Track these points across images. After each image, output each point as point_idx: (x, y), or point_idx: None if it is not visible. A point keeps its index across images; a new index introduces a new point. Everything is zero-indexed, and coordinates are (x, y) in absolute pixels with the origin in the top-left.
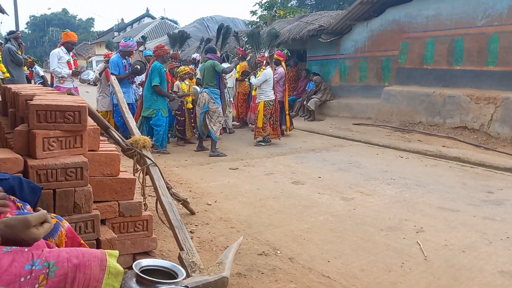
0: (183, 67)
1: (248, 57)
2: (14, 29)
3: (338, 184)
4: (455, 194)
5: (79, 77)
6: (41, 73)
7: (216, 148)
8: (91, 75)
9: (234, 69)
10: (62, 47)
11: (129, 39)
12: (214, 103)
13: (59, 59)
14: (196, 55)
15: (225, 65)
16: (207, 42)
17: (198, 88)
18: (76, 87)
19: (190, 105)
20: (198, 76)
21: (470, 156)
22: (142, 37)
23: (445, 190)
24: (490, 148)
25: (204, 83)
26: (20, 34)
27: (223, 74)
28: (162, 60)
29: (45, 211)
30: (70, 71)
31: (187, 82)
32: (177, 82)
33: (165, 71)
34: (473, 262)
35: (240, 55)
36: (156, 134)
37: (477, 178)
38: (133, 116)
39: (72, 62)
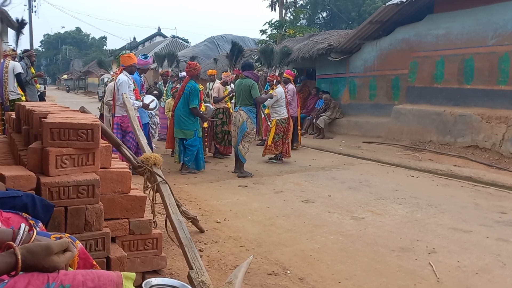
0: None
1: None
2: (28, 47)
3: (348, 203)
4: (467, 215)
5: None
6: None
7: (243, 169)
8: (155, 101)
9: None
10: (126, 73)
11: (147, 56)
12: (251, 123)
13: (128, 87)
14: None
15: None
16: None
17: (211, 107)
18: (138, 116)
19: (206, 125)
20: (215, 94)
21: (482, 176)
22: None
23: (457, 210)
24: (502, 167)
25: (241, 101)
26: (34, 53)
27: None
28: (197, 79)
29: (67, 239)
30: (141, 103)
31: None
32: None
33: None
34: (487, 285)
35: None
36: (189, 154)
37: (489, 198)
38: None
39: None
